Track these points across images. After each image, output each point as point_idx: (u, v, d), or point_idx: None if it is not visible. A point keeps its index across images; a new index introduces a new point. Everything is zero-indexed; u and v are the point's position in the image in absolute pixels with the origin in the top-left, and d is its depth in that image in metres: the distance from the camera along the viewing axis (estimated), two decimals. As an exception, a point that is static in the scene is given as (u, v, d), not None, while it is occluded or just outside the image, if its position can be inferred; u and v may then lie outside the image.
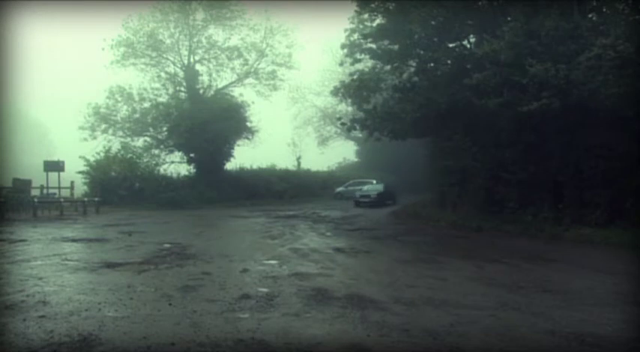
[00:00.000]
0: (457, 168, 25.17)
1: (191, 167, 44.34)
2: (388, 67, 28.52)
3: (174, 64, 46.56)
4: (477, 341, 7.30)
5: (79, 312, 8.22)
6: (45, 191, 33.14)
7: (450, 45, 26.17)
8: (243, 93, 46.74)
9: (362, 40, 28.65)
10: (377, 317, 8.13)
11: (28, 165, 46.13)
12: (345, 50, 29.87)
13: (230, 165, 46.12)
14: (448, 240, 20.24)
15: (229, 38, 46.57)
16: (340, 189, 49.93)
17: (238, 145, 45.34)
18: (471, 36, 26.09)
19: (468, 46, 25.98)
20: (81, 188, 37.81)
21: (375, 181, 49.17)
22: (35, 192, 32.39)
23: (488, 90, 21.73)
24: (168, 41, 45.68)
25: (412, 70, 27.41)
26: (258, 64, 48.30)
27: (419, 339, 7.24)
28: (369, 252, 16.00)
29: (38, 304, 8.75)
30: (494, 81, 21.47)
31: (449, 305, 9.05)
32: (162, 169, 43.76)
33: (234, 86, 47.84)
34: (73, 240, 18.16)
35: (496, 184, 23.29)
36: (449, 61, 25.43)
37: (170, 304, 8.82)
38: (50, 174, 33.56)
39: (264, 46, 47.78)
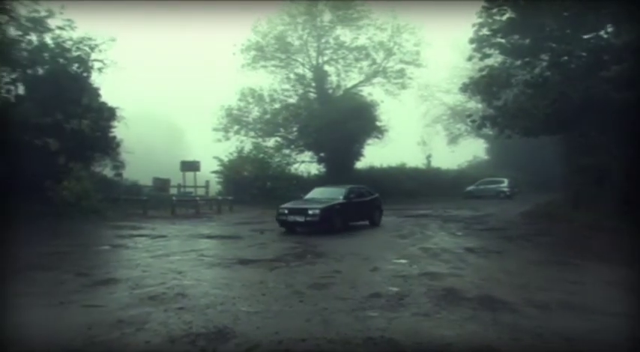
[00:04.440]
0: (592, 166, 23.88)
1: (321, 166, 44.98)
2: (518, 62, 27.56)
3: (302, 65, 47.39)
4: (616, 349, 6.88)
5: (215, 306, 8.53)
6: (182, 190, 34.73)
7: (585, 36, 24.90)
8: (372, 92, 46.78)
9: (491, 35, 27.85)
10: (509, 320, 7.84)
11: (167, 165, 48.56)
12: (474, 45, 29.14)
13: (360, 164, 46.27)
14: (582, 241, 19.16)
15: (357, 38, 46.69)
16: (470, 187, 48.80)
17: (368, 144, 45.32)
18: (609, 26, 24.69)
19: (605, 36, 24.61)
20: (215, 187, 39.34)
21: (506, 181, 47.65)
22: (173, 191, 34.09)
23: (629, 83, 20.48)
24: (296, 43, 46.53)
25: (544, 64, 26.34)
26: (386, 63, 48.10)
27: (553, 344, 6.90)
28: (500, 253, 15.52)
29: (177, 296, 9.20)
30: (635, 72, 20.21)
31: (585, 310, 8.53)
32: (292, 168, 44.70)
33: (363, 85, 47.90)
34: (209, 237, 19.01)
35: (636, 183, 21.88)
36: (584, 54, 24.21)
37: (301, 301, 8.95)
38: (187, 173, 35.11)
39: (392, 44, 47.51)
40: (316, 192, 23.54)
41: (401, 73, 48.14)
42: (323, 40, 46.39)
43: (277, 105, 45.99)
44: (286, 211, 20.83)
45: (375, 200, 24.35)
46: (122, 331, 7.14)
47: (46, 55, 26.16)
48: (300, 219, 20.28)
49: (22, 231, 18.57)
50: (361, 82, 47.98)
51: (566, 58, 24.61)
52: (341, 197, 21.94)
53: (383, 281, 10.78)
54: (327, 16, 45.80)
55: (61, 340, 6.82)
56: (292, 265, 12.73)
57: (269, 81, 46.83)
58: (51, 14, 25.85)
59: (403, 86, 48.69)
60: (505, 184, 47.20)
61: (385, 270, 12.02)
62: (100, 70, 27.53)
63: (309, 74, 47.32)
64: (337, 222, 20.58)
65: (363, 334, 7.08)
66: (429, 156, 56.69)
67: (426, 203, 38.37)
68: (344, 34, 46.67)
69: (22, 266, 12.26)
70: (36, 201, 22.96)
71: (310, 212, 20.13)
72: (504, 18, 26.66)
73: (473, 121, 32.66)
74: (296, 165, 45.25)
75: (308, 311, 8.23)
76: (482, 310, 8.42)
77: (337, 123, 40.13)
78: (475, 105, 50.44)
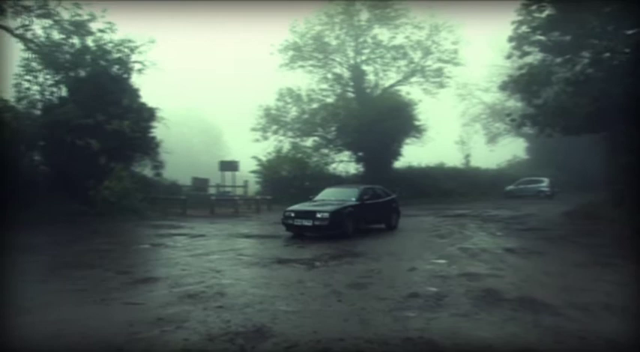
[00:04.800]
0: (635, 165, 23.33)
1: (360, 165, 44.92)
2: (559, 60, 27.10)
3: (340, 64, 47.36)
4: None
5: (253, 305, 8.57)
6: (221, 189, 35.04)
7: (628, 32, 24.36)
8: (410, 91, 46.55)
9: (530, 32, 27.45)
10: (550, 322, 7.69)
11: (205, 165, 49.04)
12: (513, 43, 28.76)
13: (398, 164, 46.07)
14: (625, 242, 18.66)
15: (394, 37, 46.51)
16: (510, 187, 48.26)
17: (406, 143, 45.12)
18: None
19: (649, 31, 24.05)
20: (254, 186, 39.57)
21: (546, 180, 46.91)
22: (212, 190, 34.42)
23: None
24: (334, 43, 46.51)
25: (585, 61, 25.86)
26: (424, 62, 47.77)
27: (596, 348, 6.76)
28: (540, 253, 15.23)
29: (216, 295, 9.27)
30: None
31: (627, 312, 8.34)
32: (331, 168, 44.73)
33: (401, 84, 47.68)
34: (247, 236, 19.12)
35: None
36: (626, 50, 23.68)
37: (339, 300, 8.93)
38: (225, 173, 35.39)
39: (430, 43, 47.18)
40: (327, 193, 21.25)
41: (439, 72, 47.75)
42: (360, 40, 46.28)
43: (315, 105, 46.06)
44: (293, 214, 18.63)
45: (392, 201, 22.11)
46: (162, 329, 7.23)
47: (87, 57, 26.69)
48: (307, 223, 18.11)
49: (64, 229, 18.98)
50: (399, 81, 47.79)
51: (608, 54, 24.14)
52: (354, 198, 19.68)
53: (421, 281, 10.70)
54: (364, 16, 45.75)
55: (103, 336, 6.94)
56: (330, 264, 12.71)
57: (307, 80, 47.04)
58: (93, 18, 26.40)
59: (441, 85, 48.30)
60: (545, 184, 46.53)
61: (423, 270, 11.93)
62: (139, 71, 28.03)
63: (346, 73, 47.30)
64: (349, 226, 18.34)
65: (402, 334, 7.04)
66: (467, 156, 56.41)
67: (465, 203, 38.07)
68: (381, 33, 46.53)
69: (65, 264, 12.57)
70: (78, 199, 23.44)
71: (319, 215, 17.95)
72: (544, 15, 26.27)
73: (512, 120, 32.26)
74: (334, 165, 45.31)
75: (346, 311, 8.22)
76: (523, 312, 8.28)
77: (375, 123, 40.08)
78: (514, 103, 49.83)
